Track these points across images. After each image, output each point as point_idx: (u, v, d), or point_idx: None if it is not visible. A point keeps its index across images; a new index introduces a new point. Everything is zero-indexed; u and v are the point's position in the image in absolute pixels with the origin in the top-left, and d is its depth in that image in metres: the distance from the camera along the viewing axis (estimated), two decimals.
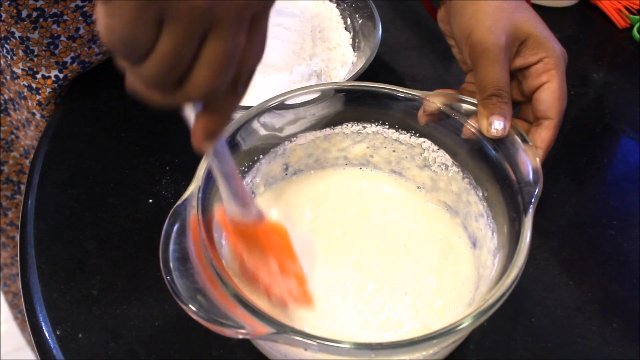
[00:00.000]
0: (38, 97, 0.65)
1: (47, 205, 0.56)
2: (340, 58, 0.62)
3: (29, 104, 0.67)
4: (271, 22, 0.63)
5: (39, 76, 0.63)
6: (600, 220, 0.55)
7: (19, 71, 0.63)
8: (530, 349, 0.46)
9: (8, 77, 0.67)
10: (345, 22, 0.65)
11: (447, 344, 0.40)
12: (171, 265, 0.35)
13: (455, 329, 0.34)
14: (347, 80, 0.57)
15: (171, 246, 0.36)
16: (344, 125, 0.50)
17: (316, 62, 0.60)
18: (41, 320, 0.47)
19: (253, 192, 0.49)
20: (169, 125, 0.63)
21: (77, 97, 0.68)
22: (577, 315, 0.48)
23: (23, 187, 0.79)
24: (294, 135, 0.49)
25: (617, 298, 0.50)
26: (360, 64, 0.57)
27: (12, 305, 1.00)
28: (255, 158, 0.47)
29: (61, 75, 0.64)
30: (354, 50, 0.64)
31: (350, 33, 0.65)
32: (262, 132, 0.46)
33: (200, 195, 0.39)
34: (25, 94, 0.66)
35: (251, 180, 0.48)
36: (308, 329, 0.42)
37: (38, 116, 0.68)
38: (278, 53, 0.61)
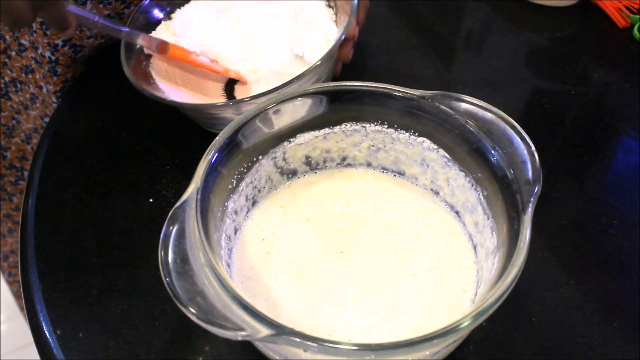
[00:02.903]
0: (42, 70, 0.66)
1: (47, 205, 0.56)
2: (324, 37, 0.61)
3: (37, 76, 0.68)
4: (256, 9, 0.62)
5: (39, 52, 0.64)
6: (600, 220, 0.55)
7: (26, 43, 0.64)
8: (530, 348, 0.46)
9: (13, 53, 0.67)
10: (327, 0, 0.64)
11: (447, 344, 0.40)
12: (170, 267, 0.35)
13: (455, 329, 0.34)
14: (348, 81, 0.57)
15: (170, 248, 0.36)
16: (343, 125, 0.50)
17: (299, 45, 0.60)
18: (41, 319, 0.47)
19: (254, 195, 0.49)
20: (169, 124, 0.63)
21: (77, 96, 0.68)
22: (577, 315, 0.48)
23: (26, 173, 0.79)
24: (293, 135, 0.49)
25: (618, 297, 0.50)
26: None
27: (18, 296, 1.00)
28: (255, 159, 0.47)
29: (53, 58, 0.64)
30: (337, 27, 0.63)
31: (333, 9, 0.64)
32: (261, 132, 0.46)
33: (199, 197, 0.39)
34: (33, 66, 0.66)
35: (251, 181, 0.48)
36: (308, 331, 0.42)
37: (44, 90, 0.69)
38: (263, 42, 0.60)
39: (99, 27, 0.55)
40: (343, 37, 0.56)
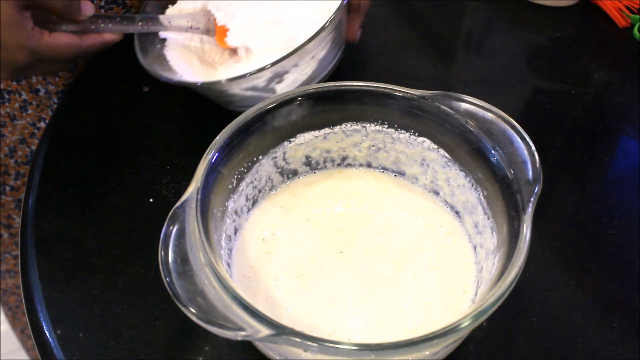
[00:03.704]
0: None
1: (48, 205, 0.56)
2: (323, 18, 0.60)
3: (32, 80, 0.68)
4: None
5: None
6: (601, 220, 0.55)
7: None
8: (530, 348, 0.46)
9: None
10: None
11: (447, 344, 0.40)
12: (170, 267, 0.35)
13: (455, 328, 0.34)
14: (348, 81, 0.56)
15: (170, 248, 0.36)
16: (343, 125, 0.50)
17: (297, 24, 0.58)
18: (42, 319, 0.47)
19: (254, 195, 0.49)
20: (169, 124, 0.63)
21: (77, 97, 0.68)
22: (577, 315, 0.48)
23: (8, 188, 0.79)
24: (293, 135, 0.49)
25: (618, 298, 0.50)
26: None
27: (4, 303, 1.00)
28: (255, 159, 0.47)
29: None
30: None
31: None
32: (261, 132, 0.46)
33: (199, 197, 0.39)
34: None
35: (251, 181, 0.48)
36: (308, 331, 0.42)
37: (42, 92, 0.68)
38: (262, 20, 0.59)
39: (139, 28, 0.60)
40: (345, 2, 0.55)
